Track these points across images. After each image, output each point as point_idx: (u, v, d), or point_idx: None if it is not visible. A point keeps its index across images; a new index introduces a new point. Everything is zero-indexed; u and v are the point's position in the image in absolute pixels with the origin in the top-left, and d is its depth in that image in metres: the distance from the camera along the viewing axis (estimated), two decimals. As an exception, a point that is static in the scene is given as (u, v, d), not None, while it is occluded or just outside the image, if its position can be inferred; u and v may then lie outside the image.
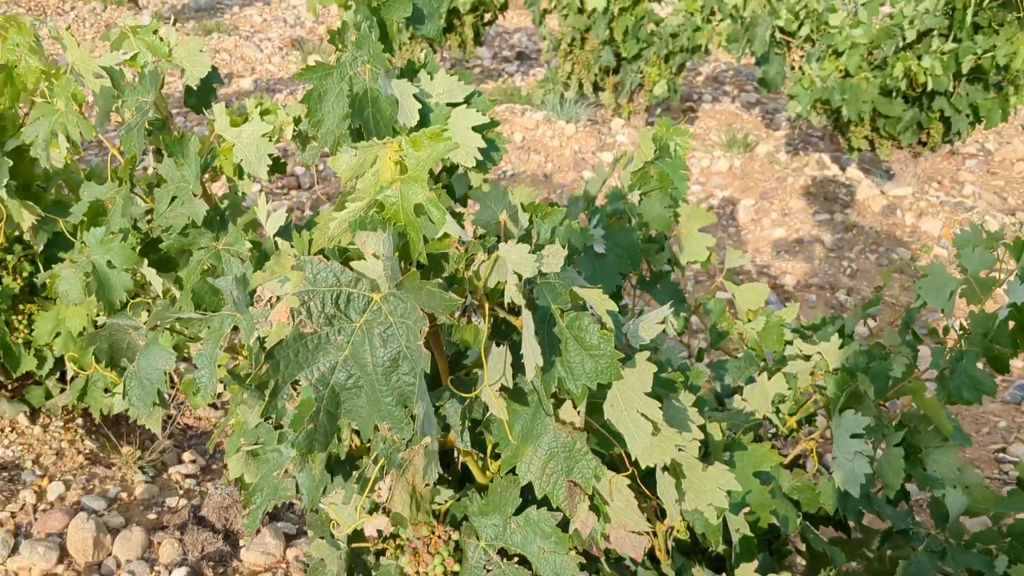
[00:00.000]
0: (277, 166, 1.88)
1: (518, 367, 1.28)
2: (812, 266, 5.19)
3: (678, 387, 1.43)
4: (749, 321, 2.25)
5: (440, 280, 1.25)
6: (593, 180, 2.35)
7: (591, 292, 1.20)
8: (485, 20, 7.54)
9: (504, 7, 7.37)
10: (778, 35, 5.92)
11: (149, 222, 1.85)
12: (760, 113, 7.65)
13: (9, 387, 3.18)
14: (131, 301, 1.86)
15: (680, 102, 7.50)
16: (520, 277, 1.17)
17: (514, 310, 1.26)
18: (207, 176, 1.84)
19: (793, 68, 5.99)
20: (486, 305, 1.24)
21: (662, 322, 1.35)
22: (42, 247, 2.80)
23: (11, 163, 2.47)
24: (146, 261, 1.73)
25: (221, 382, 1.72)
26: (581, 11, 6.50)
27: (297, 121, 2.95)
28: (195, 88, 1.95)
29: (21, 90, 2.04)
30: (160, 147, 1.83)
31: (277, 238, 1.45)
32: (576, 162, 6.35)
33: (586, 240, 2.12)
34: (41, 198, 2.72)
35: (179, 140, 1.71)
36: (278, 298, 1.10)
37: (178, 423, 3.41)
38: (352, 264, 1.08)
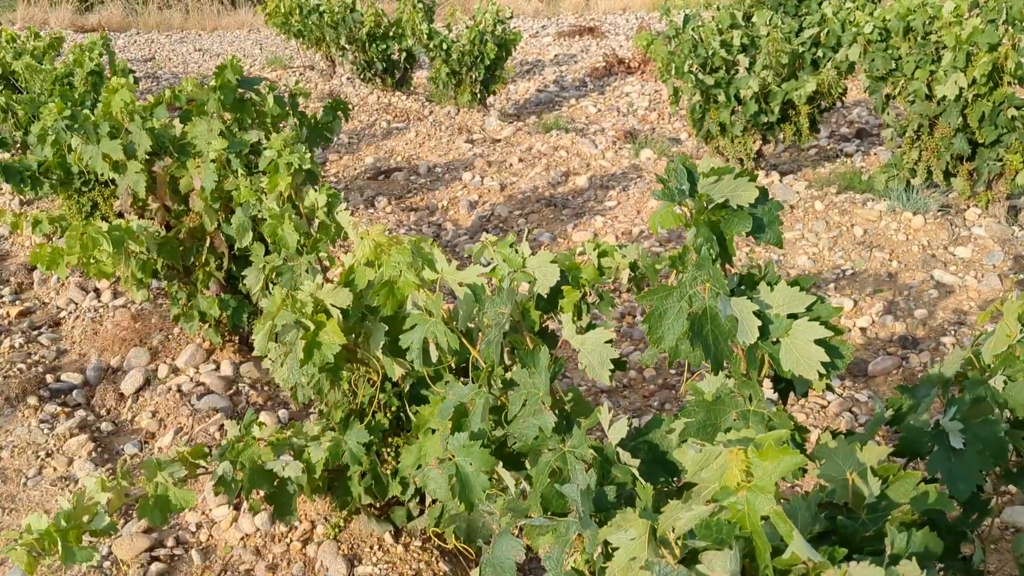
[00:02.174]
0: (618, 365, 1.97)
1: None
2: None
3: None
4: None
5: None
6: (949, 361, 2.19)
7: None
8: (822, 108, 7.31)
9: (844, 93, 7.11)
10: None
11: (496, 422, 2.02)
12: None
13: (377, 507, 3.57)
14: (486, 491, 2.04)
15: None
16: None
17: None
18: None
19: None
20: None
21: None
22: (407, 388, 3.16)
23: (386, 328, 2.82)
24: (500, 463, 1.90)
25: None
26: (929, 98, 6.10)
27: (633, 267, 3.06)
28: (544, 296, 2.11)
29: (400, 300, 2.35)
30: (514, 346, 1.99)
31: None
32: (925, 259, 5.90)
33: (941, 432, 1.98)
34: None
35: (532, 352, 1.86)
36: None
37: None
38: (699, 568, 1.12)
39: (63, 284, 6.39)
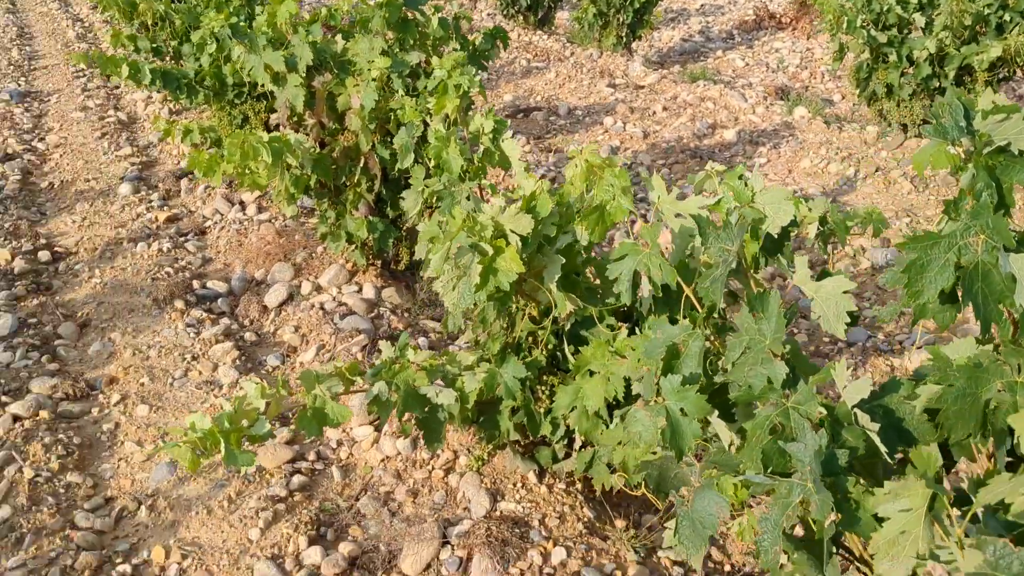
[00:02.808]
0: (853, 320, 1.78)
1: None
2: None
3: None
4: None
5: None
6: None
7: None
8: (1000, 77, 6.75)
9: (1030, 61, 6.54)
10: None
11: (711, 367, 1.86)
12: None
13: (522, 444, 3.48)
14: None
15: None
16: None
17: None
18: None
19: None
20: None
21: None
22: (568, 327, 3.03)
23: (563, 260, 2.69)
24: (716, 412, 1.75)
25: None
26: None
27: (823, 221, 2.83)
28: (775, 235, 1.92)
29: (608, 227, 2.19)
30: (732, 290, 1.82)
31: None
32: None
33: None
34: (577, 286, 2.92)
35: (762, 296, 1.69)
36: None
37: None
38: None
39: (209, 194, 6.50)
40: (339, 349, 4.38)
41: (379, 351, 4.39)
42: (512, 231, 2.58)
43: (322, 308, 4.79)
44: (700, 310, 1.84)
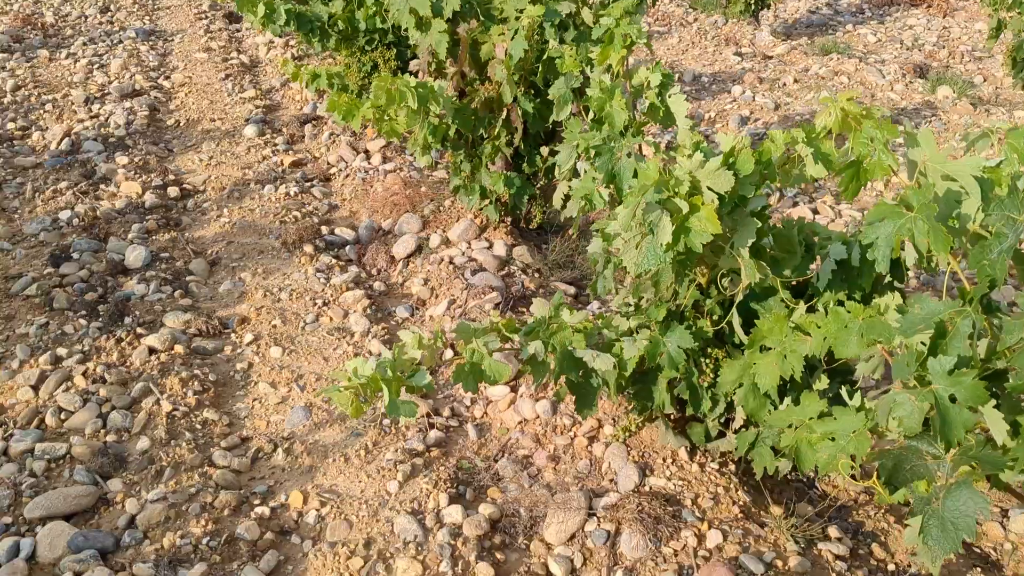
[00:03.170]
0: None
1: None
2: None
3: None
4: None
5: None
6: None
7: None
8: None
9: None
10: None
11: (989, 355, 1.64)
12: None
13: (673, 419, 3.30)
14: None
15: None
16: None
17: None
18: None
19: None
20: None
21: None
22: (741, 297, 2.82)
23: (758, 224, 2.48)
24: (992, 402, 1.54)
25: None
26: None
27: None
28: (1073, 205, 1.69)
29: (863, 184, 1.98)
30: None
31: None
32: None
33: None
34: (763, 253, 2.72)
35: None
36: None
37: (815, 487, 3.26)
38: None
39: (334, 141, 6.43)
40: (471, 305, 4.26)
41: (513, 309, 4.25)
42: (709, 188, 2.38)
43: (451, 262, 4.67)
44: (967, 289, 1.62)
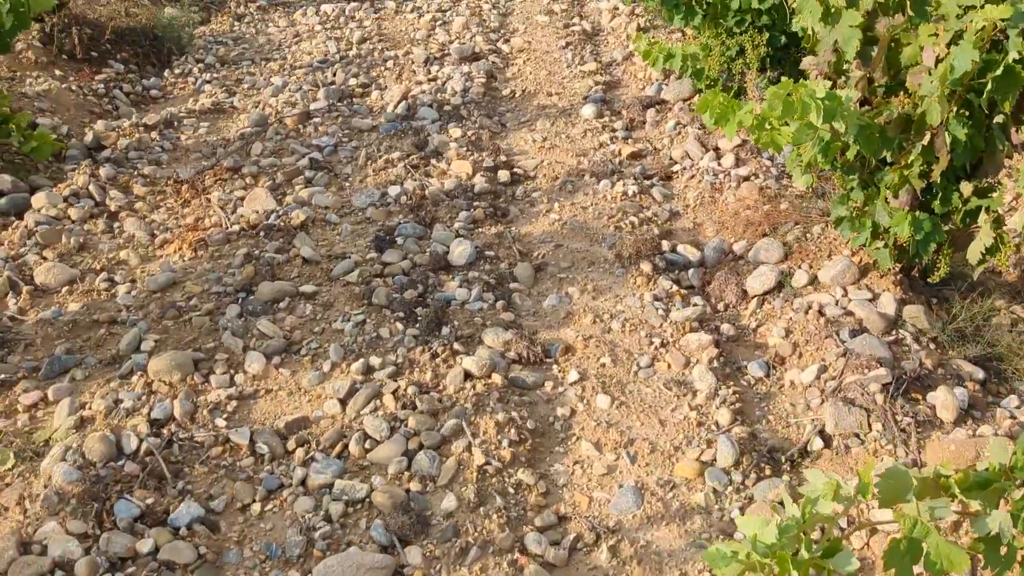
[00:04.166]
0: None
1: None
2: None
3: None
4: None
5: None
6: None
7: None
8: None
9: None
10: None
11: None
12: None
13: None
14: None
15: None
16: None
17: None
18: None
19: None
20: None
21: None
22: None
23: None
24: None
25: None
26: None
27: None
28: None
29: None
30: None
31: None
32: None
33: None
34: None
35: None
36: None
37: None
38: None
39: (679, 132, 5.67)
40: (848, 380, 3.37)
41: (905, 394, 3.31)
42: None
43: (821, 312, 3.78)
44: None
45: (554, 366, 3.64)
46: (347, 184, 5.16)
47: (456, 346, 3.65)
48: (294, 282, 4.17)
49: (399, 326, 3.77)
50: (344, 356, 3.62)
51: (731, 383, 3.51)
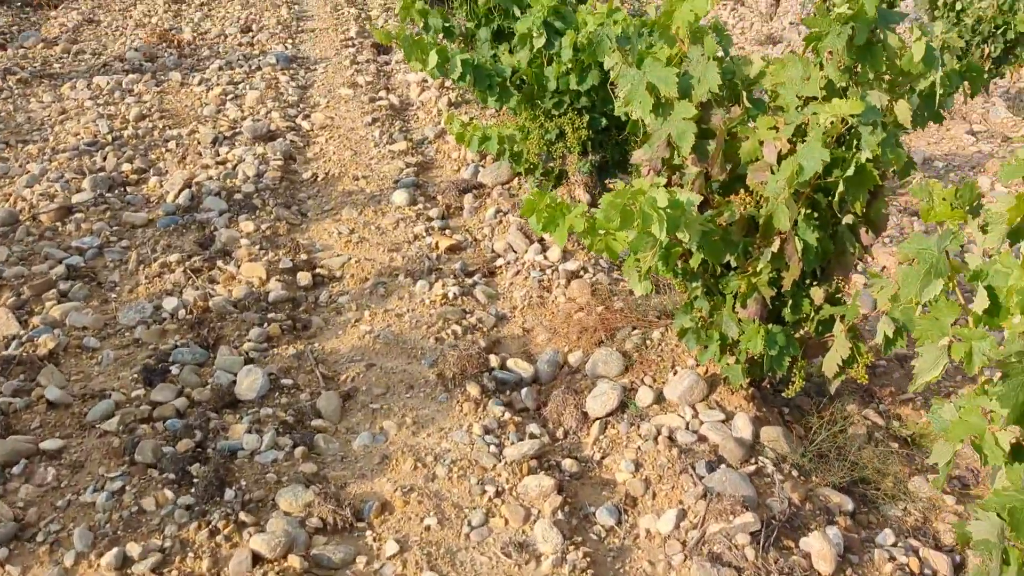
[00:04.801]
0: None
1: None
2: None
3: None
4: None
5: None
6: None
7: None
8: None
9: None
10: None
11: None
12: None
13: None
14: None
15: None
16: None
17: None
18: None
19: None
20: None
21: None
22: None
23: None
24: None
25: None
26: None
27: None
28: None
29: None
30: None
31: None
32: None
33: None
34: None
35: None
36: None
37: None
38: None
39: (500, 222, 5.20)
40: (712, 530, 2.90)
41: (776, 544, 2.88)
42: None
43: (671, 439, 3.34)
44: None
45: (368, 532, 2.97)
46: (113, 296, 4.31)
47: (243, 516, 2.92)
48: (35, 435, 3.31)
49: (168, 493, 3.00)
50: (93, 543, 2.81)
51: (579, 538, 2.97)
